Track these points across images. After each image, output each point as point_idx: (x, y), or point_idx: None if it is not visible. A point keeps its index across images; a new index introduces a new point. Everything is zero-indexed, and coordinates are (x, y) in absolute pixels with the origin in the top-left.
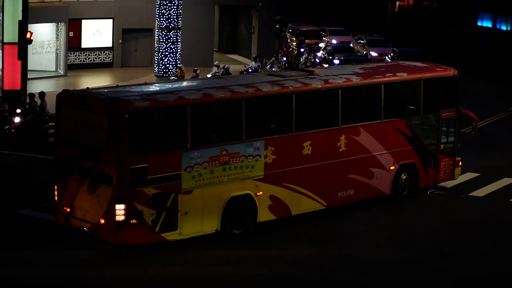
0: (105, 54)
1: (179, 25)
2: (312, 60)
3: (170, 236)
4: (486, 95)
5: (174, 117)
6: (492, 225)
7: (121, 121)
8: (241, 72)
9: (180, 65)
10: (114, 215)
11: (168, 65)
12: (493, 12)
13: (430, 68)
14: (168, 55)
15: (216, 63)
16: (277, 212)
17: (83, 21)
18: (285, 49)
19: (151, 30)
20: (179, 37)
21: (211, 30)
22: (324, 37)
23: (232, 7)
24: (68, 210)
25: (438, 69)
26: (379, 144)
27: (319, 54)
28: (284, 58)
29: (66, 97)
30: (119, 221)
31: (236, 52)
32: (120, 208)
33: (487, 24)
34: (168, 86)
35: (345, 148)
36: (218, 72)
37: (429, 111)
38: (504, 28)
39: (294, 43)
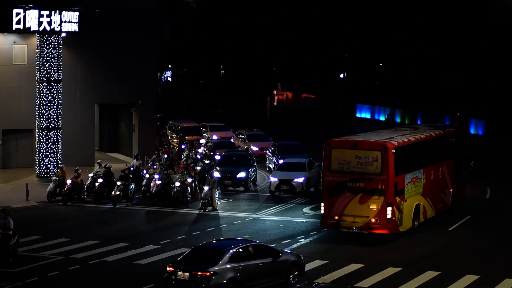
0: None
1: (59, 125)
2: (194, 156)
3: (401, 229)
4: None
5: (402, 151)
6: None
7: (391, 154)
8: (123, 171)
9: (61, 165)
10: (386, 214)
11: (49, 165)
12: (371, 103)
13: (452, 125)
14: (49, 155)
15: (98, 161)
16: (423, 216)
17: None
18: (166, 146)
19: (31, 131)
20: (60, 137)
21: (91, 129)
22: (204, 133)
23: (112, 106)
24: (337, 218)
25: (457, 126)
26: (448, 174)
27: (200, 150)
28: (165, 155)
29: (337, 142)
30: (388, 218)
31: (117, 150)
32: (389, 210)
33: (366, 115)
34: (384, 134)
35: (440, 176)
36: (99, 171)
37: (460, 152)
38: (382, 118)
39: (175, 140)
